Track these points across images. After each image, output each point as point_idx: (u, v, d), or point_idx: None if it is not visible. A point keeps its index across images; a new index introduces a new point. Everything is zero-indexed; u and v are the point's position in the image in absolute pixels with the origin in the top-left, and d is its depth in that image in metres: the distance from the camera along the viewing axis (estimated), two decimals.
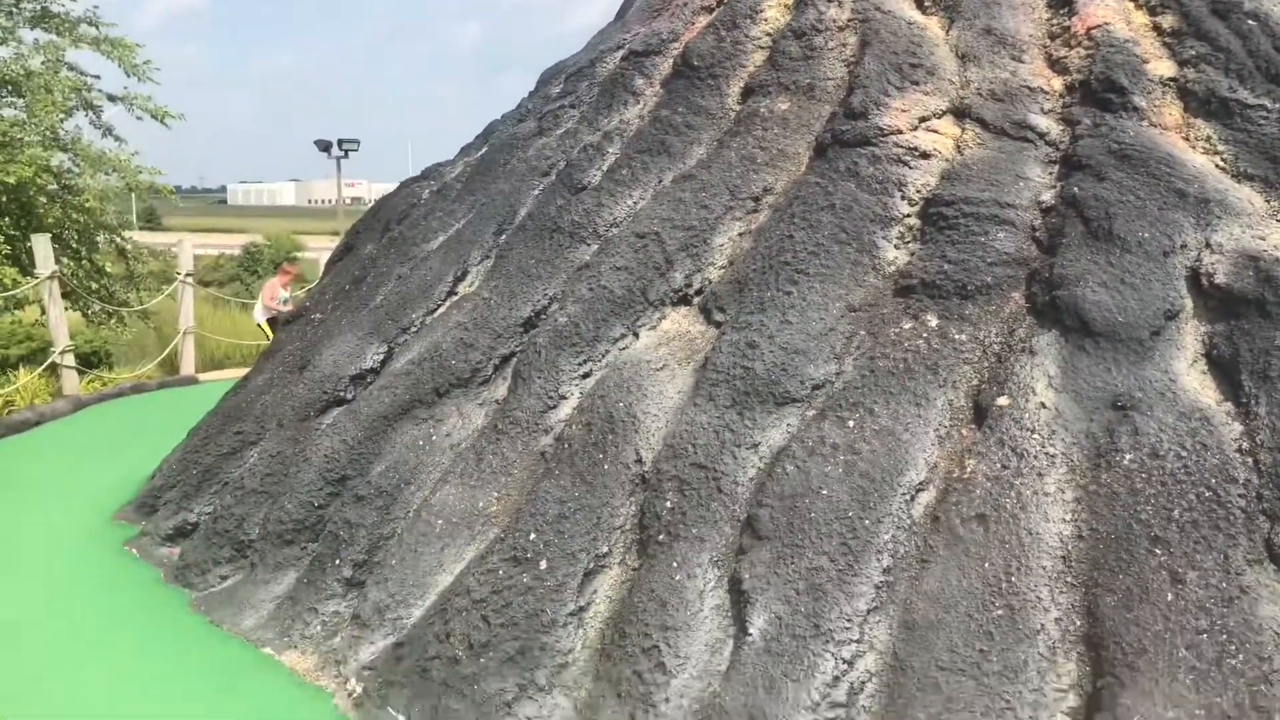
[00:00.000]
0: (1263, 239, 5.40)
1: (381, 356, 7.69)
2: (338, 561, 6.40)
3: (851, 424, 5.33)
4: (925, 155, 6.58)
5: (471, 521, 6.12)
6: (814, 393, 5.65)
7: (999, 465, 5.01)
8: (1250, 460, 4.67)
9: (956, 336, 5.60)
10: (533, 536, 5.61)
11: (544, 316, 7.07)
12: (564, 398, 6.48)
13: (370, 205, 11.67)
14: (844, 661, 4.61)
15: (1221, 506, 4.55)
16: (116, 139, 17.70)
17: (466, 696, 5.20)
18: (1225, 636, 4.22)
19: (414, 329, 7.72)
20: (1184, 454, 4.74)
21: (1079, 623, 4.53)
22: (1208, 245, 5.45)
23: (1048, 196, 6.11)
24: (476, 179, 9.07)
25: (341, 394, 7.55)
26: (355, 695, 5.53)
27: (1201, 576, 4.39)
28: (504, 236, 8.07)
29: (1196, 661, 4.20)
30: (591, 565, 5.51)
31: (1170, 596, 4.37)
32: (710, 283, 6.63)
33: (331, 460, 6.92)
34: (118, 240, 18.17)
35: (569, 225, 7.47)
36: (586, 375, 6.53)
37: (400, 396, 7.03)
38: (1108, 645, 4.38)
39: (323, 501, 6.83)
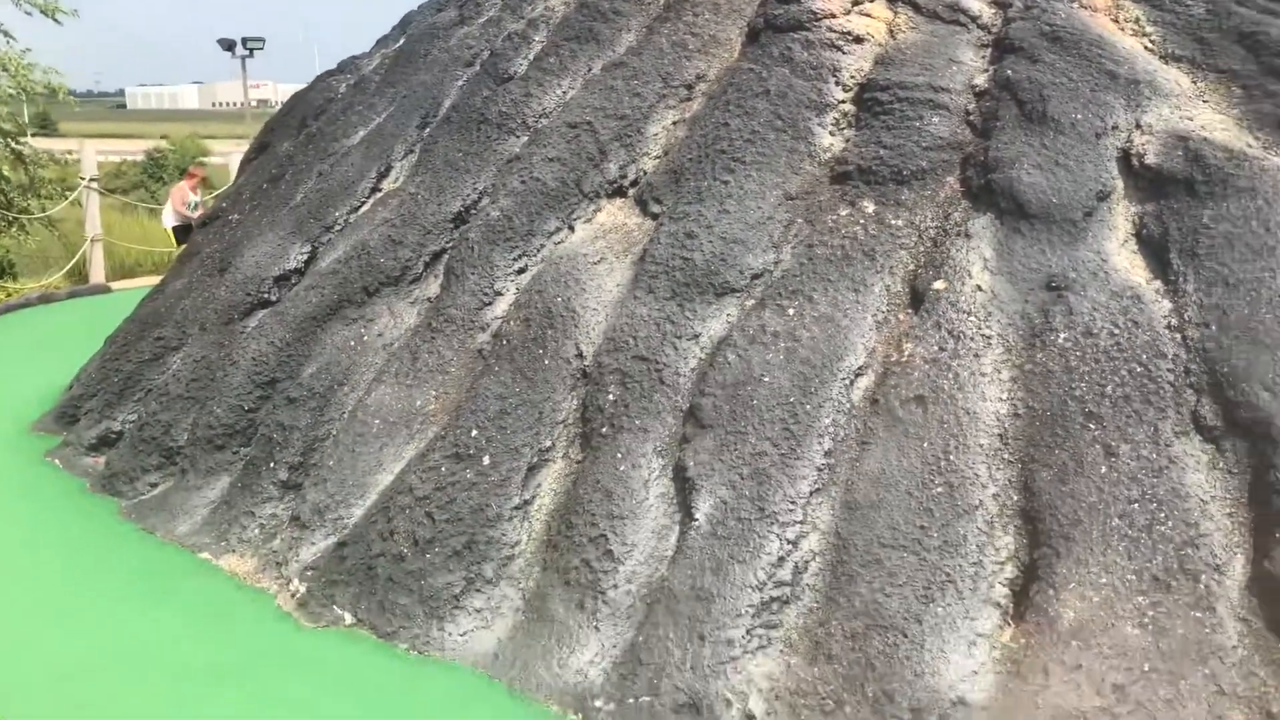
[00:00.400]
0: (1190, 119, 5.47)
1: (305, 256, 7.49)
2: (272, 465, 6.29)
3: (791, 312, 5.34)
4: (858, 40, 6.49)
5: (409, 420, 6.05)
6: (753, 282, 5.64)
7: (936, 348, 5.08)
8: (1178, 336, 4.79)
9: (893, 222, 5.61)
10: (474, 433, 5.57)
11: (475, 211, 6.92)
12: (500, 294, 6.39)
13: (278, 108, 11.24)
14: (788, 542, 4.70)
15: (1152, 381, 4.68)
16: (5, 35, 16.72)
17: (413, 591, 5.21)
18: (1155, 505, 4.38)
19: (338, 227, 7.52)
20: (1116, 332, 4.84)
21: (1016, 497, 4.65)
22: (1138, 126, 5.50)
23: (981, 80, 6.10)
24: (396, 71, 8.77)
25: (266, 296, 7.36)
26: (299, 595, 5.49)
27: (1133, 449, 4.52)
28: (428, 130, 7.83)
29: (1128, 530, 4.35)
30: (535, 459, 5.50)
31: (1103, 469, 4.51)
32: (645, 173, 6.53)
33: (260, 363, 6.76)
34: (14, 145, 17.28)
35: (496, 116, 7.27)
36: (522, 270, 6.43)
37: (328, 297, 6.86)
38: (1044, 518, 4.52)
39: (253, 405, 6.69)
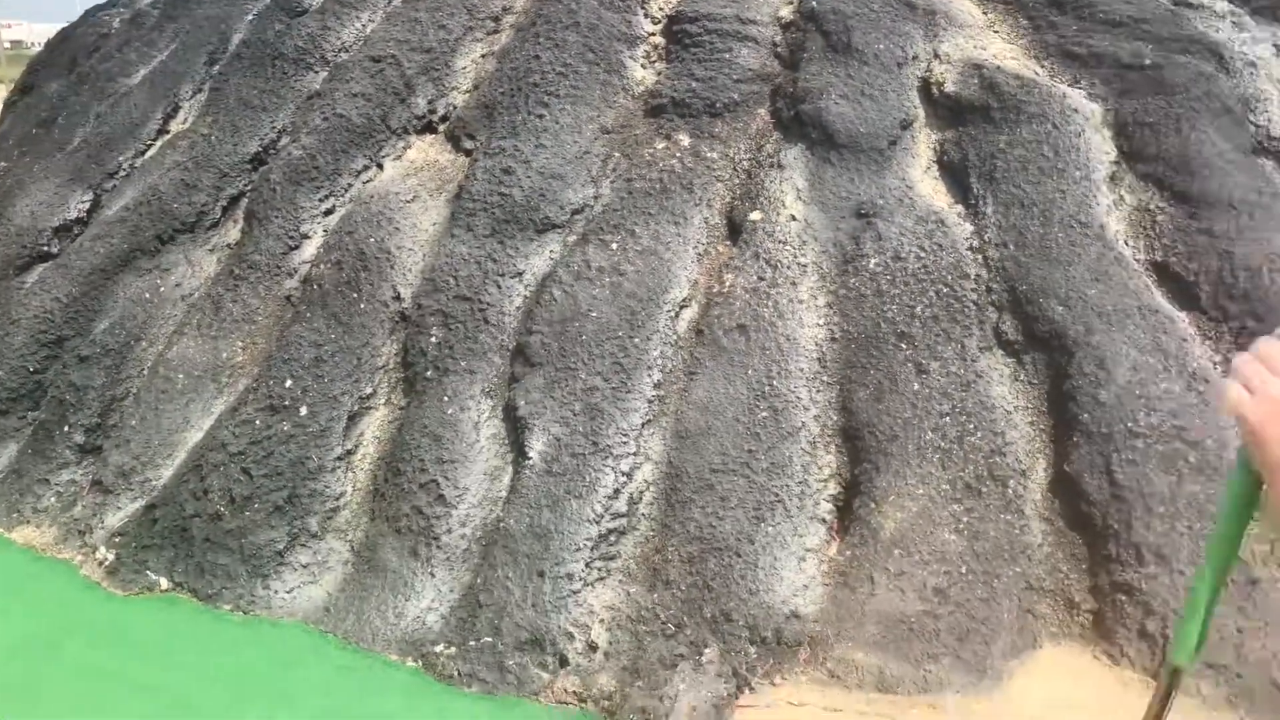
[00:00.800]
0: (984, 49, 5.72)
1: (88, 205, 6.94)
2: (67, 428, 5.86)
3: (614, 246, 5.33)
4: None
5: (217, 374, 5.74)
6: (574, 217, 5.59)
7: (755, 277, 5.18)
8: (980, 257, 5.04)
9: (708, 154, 5.65)
10: (289, 383, 5.33)
11: (274, 151, 6.56)
12: (307, 237, 6.10)
13: (37, 50, 10.34)
14: (623, 474, 4.72)
15: (957, 301, 4.92)
16: None
17: (234, 551, 4.98)
18: (965, 417, 4.62)
19: (123, 173, 6.99)
20: (923, 255, 5.05)
21: (836, 417, 4.82)
22: (936, 56, 5.71)
23: (786, 12, 6.19)
24: (177, 5, 8.17)
25: (45, 248, 6.78)
26: (107, 563, 5.16)
27: (942, 366, 4.75)
28: (218, 67, 7.36)
29: (941, 441, 4.59)
30: (356, 407, 5.32)
31: (916, 386, 4.72)
32: (456, 108, 6.35)
33: (44, 320, 6.25)
34: None
35: (293, 51, 6.89)
36: (330, 212, 6.16)
37: (117, 247, 6.39)
38: (863, 435, 4.70)
39: (39, 365, 6.19)
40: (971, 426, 4.61)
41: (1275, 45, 5.45)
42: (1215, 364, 4.51)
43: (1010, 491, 4.45)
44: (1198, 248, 4.79)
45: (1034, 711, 3.84)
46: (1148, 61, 5.30)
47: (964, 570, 4.30)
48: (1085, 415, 4.48)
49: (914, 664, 4.09)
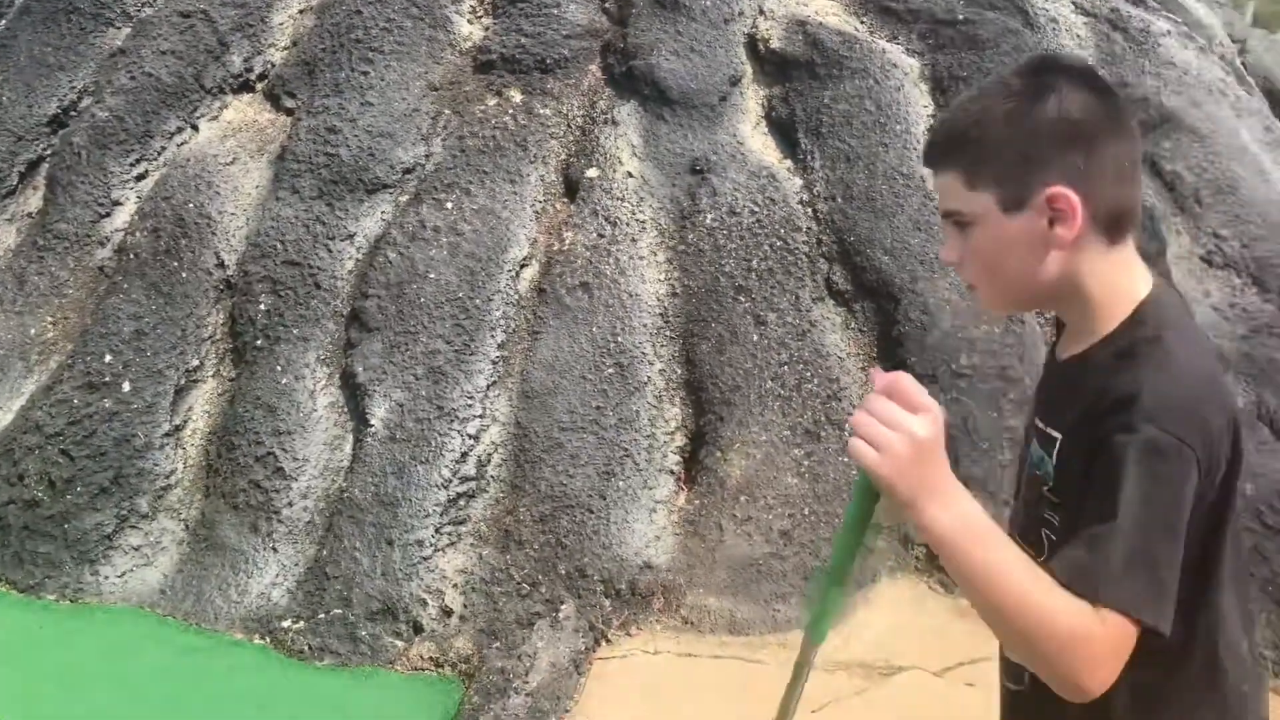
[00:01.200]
0: (807, 5, 5.85)
1: None
2: None
3: (450, 205, 5.24)
4: None
5: (25, 352, 5.37)
6: (405, 177, 5.46)
7: (595, 234, 5.19)
8: (810, 210, 5.20)
9: (541, 111, 5.60)
10: (109, 358, 5.05)
11: (75, 113, 6.14)
12: (118, 203, 5.75)
13: None
14: (470, 437, 4.69)
15: (790, 254, 5.06)
16: None
17: (57, 538, 4.70)
18: (802, 366, 4.78)
19: None
20: (756, 210, 5.16)
21: (680, 371, 4.91)
22: (761, 12, 5.81)
23: None
24: None
25: None
26: None
27: (779, 316, 4.89)
28: (4, 22, 6.81)
29: (781, 390, 4.73)
30: (182, 381, 5.08)
31: (755, 337, 4.85)
32: (274, 65, 6.07)
33: None
34: None
35: (90, 6, 6.43)
36: (142, 176, 5.82)
37: None
38: (706, 387, 4.81)
39: None
40: (809, 374, 4.77)
41: (1073, 3, 5.77)
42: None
43: (846, 434, 4.62)
44: None
45: (877, 639, 4.05)
46: (960, 17, 5.53)
47: (806, 512, 4.47)
48: (913, 359, 4.70)
49: (763, 605, 4.24)
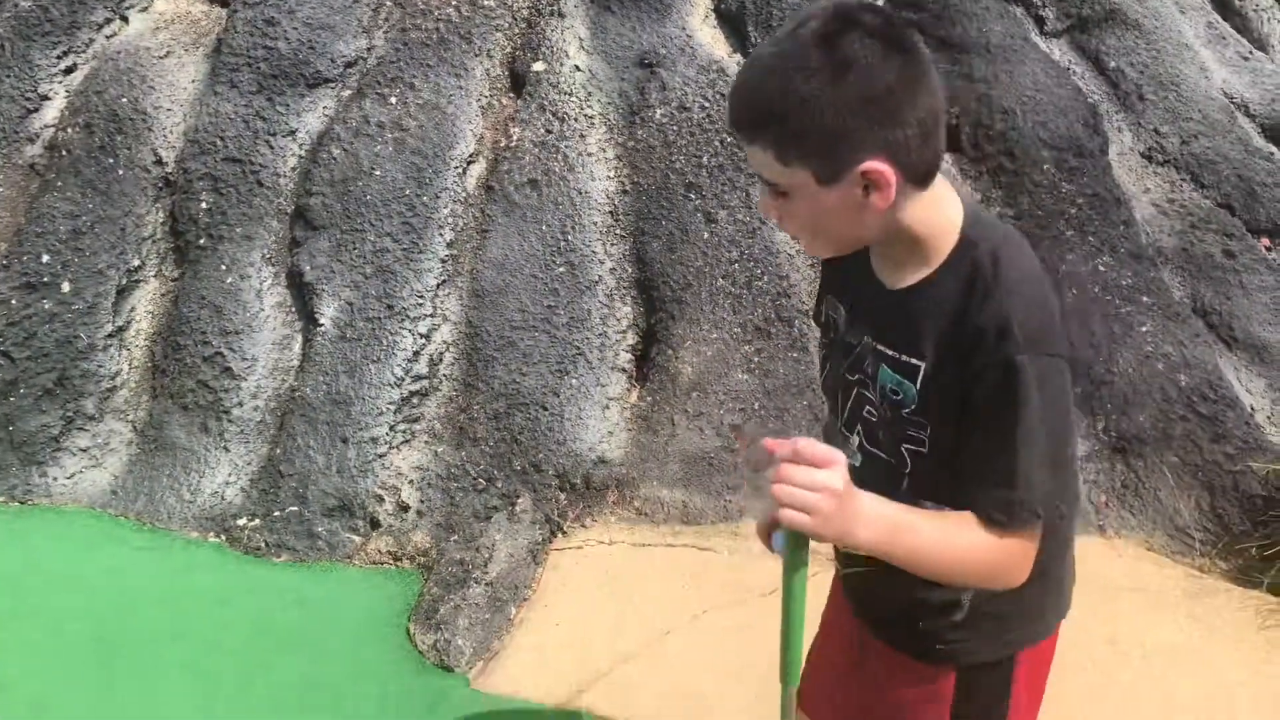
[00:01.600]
0: None
1: None
2: None
3: (394, 100, 5.13)
4: None
5: None
6: (347, 70, 5.32)
7: (543, 130, 5.13)
8: None
9: (486, 3, 5.47)
10: (46, 259, 4.93)
11: None
12: (46, 98, 5.54)
13: None
14: (421, 336, 4.68)
15: (738, 148, 5.04)
16: None
17: (2, 440, 4.65)
18: (752, 263, 4.81)
19: None
20: (706, 104, 5.13)
21: (631, 270, 4.92)
22: None
23: None
24: None
25: None
26: None
27: (730, 214, 4.90)
28: None
29: (731, 287, 4.77)
30: (124, 281, 4.99)
31: (706, 235, 4.86)
32: None
33: None
34: None
35: None
36: (70, 70, 5.60)
37: None
38: (657, 285, 4.83)
39: None
40: (759, 272, 4.80)
41: None
42: (975, 197, 4.86)
43: (795, 331, 4.70)
44: (957, 91, 5.08)
45: None
46: None
47: (757, 407, 4.54)
48: None
49: (715, 495, 4.34)
